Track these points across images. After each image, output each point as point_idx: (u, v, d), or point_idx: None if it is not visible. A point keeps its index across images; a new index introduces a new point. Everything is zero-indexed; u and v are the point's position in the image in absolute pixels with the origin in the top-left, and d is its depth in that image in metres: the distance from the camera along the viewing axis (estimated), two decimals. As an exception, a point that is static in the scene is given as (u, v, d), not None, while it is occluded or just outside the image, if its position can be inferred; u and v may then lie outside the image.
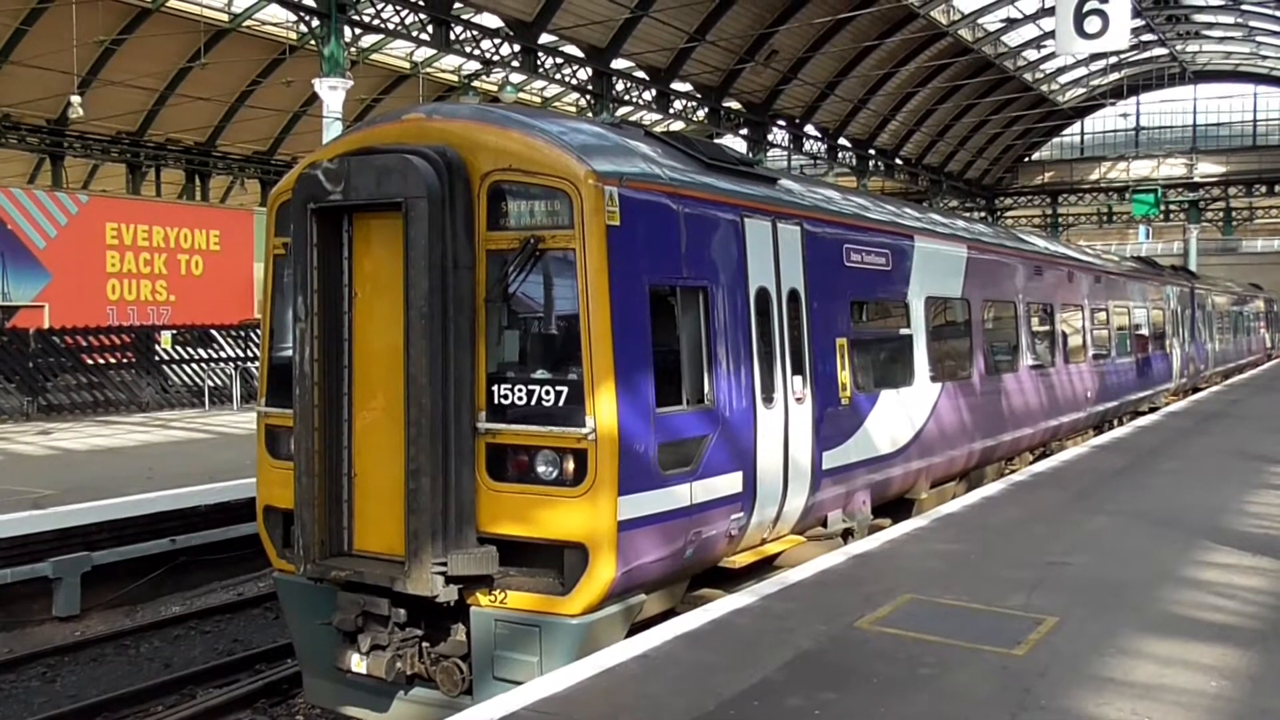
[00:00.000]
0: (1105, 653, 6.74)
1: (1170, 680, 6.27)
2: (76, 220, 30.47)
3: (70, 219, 30.37)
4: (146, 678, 10.76)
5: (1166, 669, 6.46)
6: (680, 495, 7.67)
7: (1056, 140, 72.50)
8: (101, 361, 25.42)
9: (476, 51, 34.07)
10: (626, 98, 40.33)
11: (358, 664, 7.45)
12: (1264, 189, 66.76)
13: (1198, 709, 5.86)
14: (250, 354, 27.21)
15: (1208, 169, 67.91)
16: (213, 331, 27.94)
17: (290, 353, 7.72)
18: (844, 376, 10.10)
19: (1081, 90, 62.79)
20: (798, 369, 9.27)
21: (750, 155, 34.73)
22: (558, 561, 7.19)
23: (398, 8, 30.85)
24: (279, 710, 9.90)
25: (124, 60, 39.72)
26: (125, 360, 25.90)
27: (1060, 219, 72.22)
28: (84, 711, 9.73)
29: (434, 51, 40.21)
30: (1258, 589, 8.34)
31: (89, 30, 34.48)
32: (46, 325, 26.78)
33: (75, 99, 33.59)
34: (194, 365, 26.99)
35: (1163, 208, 59.21)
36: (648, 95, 41.17)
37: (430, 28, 32.15)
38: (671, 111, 42.54)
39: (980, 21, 46.73)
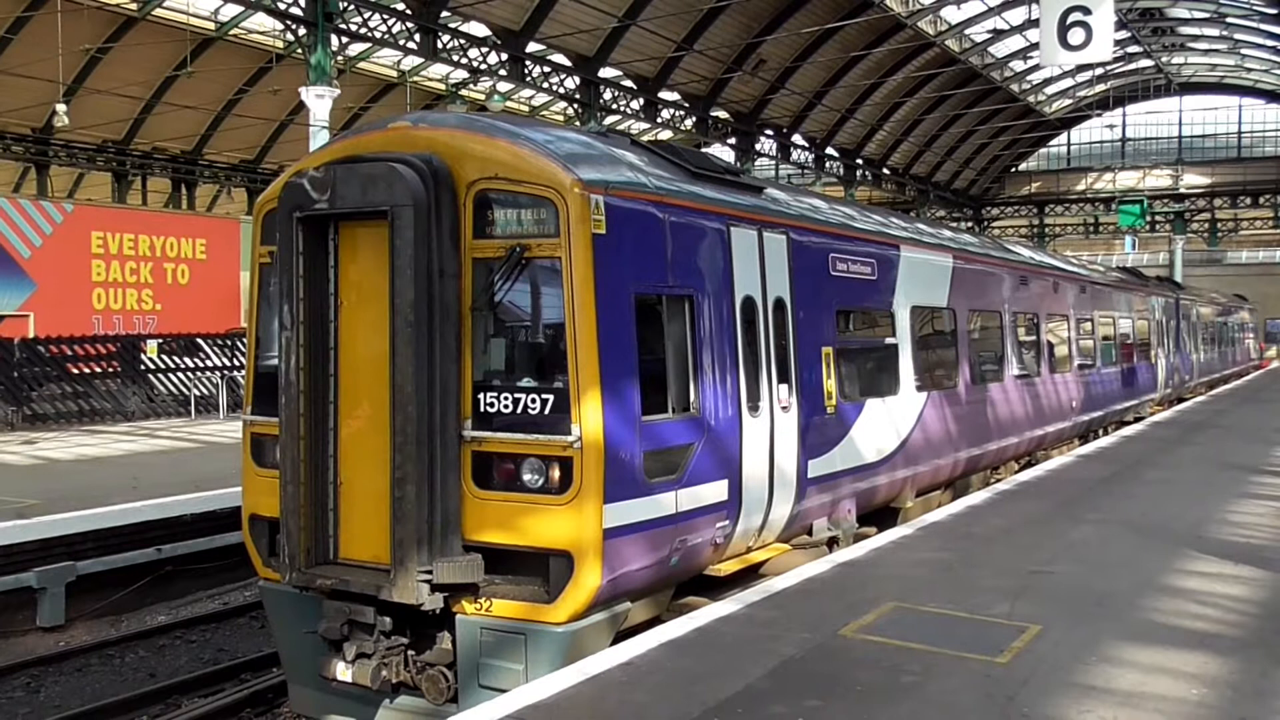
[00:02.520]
0: (1088, 661, 6.77)
1: (1152, 688, 6.30)
2: (62, 229, 30.34)
3: (55, 228, 30.24)
4: (131, 688, 10.73)
5: (1148, 677, 6.49)
6: (666, 503, 7.69)
7: (1043, 151, 72.87)
8: (87, 371, 25.32)
9: (464, 60, 34.14)
10: (614, 106, 40.43)
11: (343, 672, 7.44)
12: (1249, 200, 67.28)
13: (1179, 716, 5.89)
14: (236, 363, 27.14)
15: (1193, 180, 68.35)
16: (199, 340, 27.86)
17: (276, 361, 7.72)
18: (829, 385, 10.14)
19: (1068, 101, 63.16)
20: (783, 378, 9.30)
21: (737, 164, 34.87)
22: (543, 569, 7.19)
23: (385, 16, 30.88)
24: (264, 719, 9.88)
25: (110, 69, 39.66)
26: (111, 369, 25.80)
27: (1047, 229, 72.59)
28: (68, 721, 9.70)
29: (421, 60, 40.20)
30: (1240, 597, 8.39)
31: (74, 39, 34.43)
32: (31, 334, 26.66)
33: (60, 107, 33.48)
34: (180, 374, 26.89)
35: (1148, 218, 59.58)
36: (635, 104, 41.27)
37: (417, 36, 32.19)
38: (659, 120, 42.64)
39: (967, 32, 46.98)
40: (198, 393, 26.51)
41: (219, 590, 14.29)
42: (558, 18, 35.13)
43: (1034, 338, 17.08)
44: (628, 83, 40.99)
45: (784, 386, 9.29)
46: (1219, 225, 70.26)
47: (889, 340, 11.95)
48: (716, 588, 8.74)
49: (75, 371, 25.03)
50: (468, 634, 7.33)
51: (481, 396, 7.31)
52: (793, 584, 8.76)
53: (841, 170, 55.39)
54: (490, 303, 7.33)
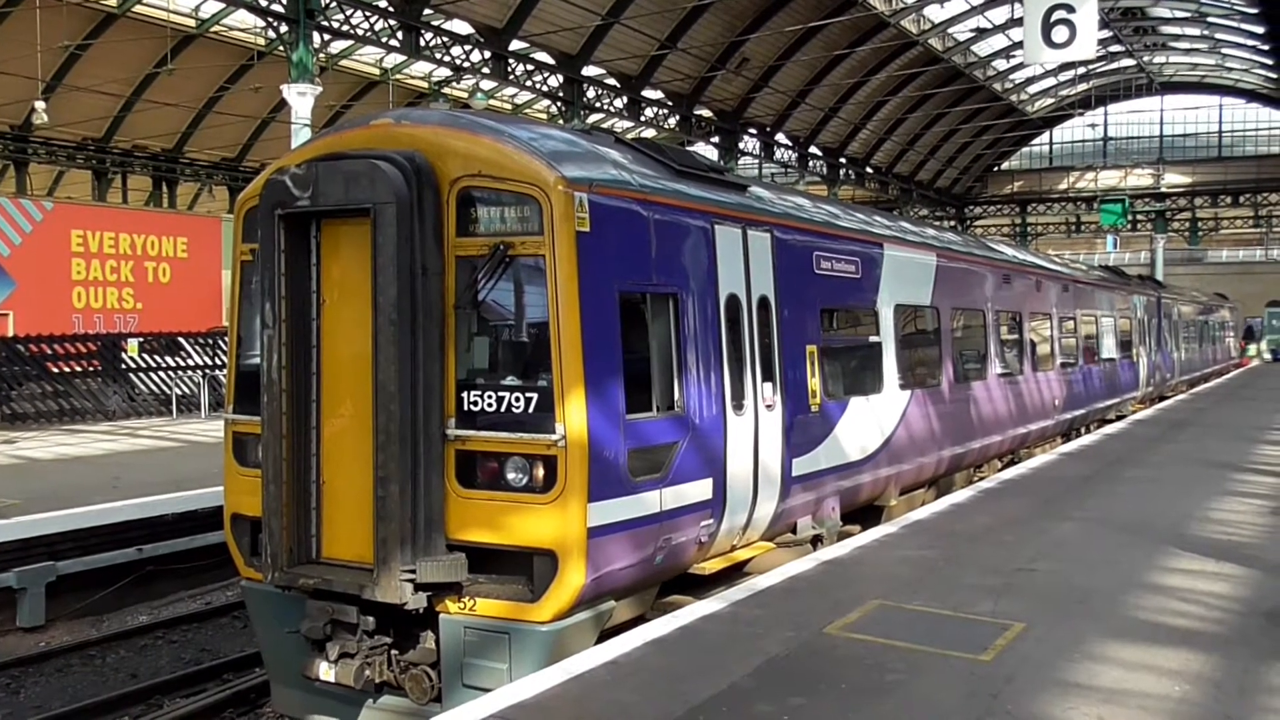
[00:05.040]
0: (1071, 658, 6.79)
1: (1135, 685, 6.32)
2: (41, 227, 30.16)
3: (35, 226, 30.05)
4: (113, 688, 10.66)
5: (1131, 674, 6.51)
6: (650, 502, 7.67)
7: (1026, 150, 73.15)
8: (67, 370, 25.17)
9: (447, 58, 34.01)
10: (597, 105, 40.37)
11: (326, 672, 7.40)
12: (1229, 199, 67.67)
13: (1162, 713, 5.91)
14: (218, 362, 27.02)
15: (1174, 179, 68.70)
16: (180, 339, 27.72)
17: (258, 360, 7.67)
18: (814, 383, 10.14)
19: (1050, 100, 63.40)
20: (768, 376, 9.29)
21: (721, 163, 34.86)
22: (527, 568, 7.17)
23: (367, 13, 30.74)
24: (246, 720, 9.83)
25: (89, 66, 39.38)
26: (91, 368, 25.65)
27: (1029, 228, 72.84)
28: (48, 722, 9.63)
29: (404, 58, 40.11)
30: (1221, 594, 8.42)
31: (53, 35, 34.15)
32: (11, 333, 26.47)
33: (40, 105, 33.24)
34: (161, 373, 26.75)
35: (1130, 217, 59.88)
36: (619, 102, 41.22)
37: (400, 34, 32.07)
38: (643, 119, 42.60)
39: (950, 31, 47.10)
40: (179, 392, 26.36)
41: (201, 590, 14.22)
42: (541, 15, 35.06)
43: (1017, 336, 17.13)
44: (611, 81, 40.94)
45: (768, 385, 9.28)
46: (1200, 224, 70.62)
47: (873, 339, 11.96)
48: (701, 586, 8.74)
49: (55, 370, 24.88)
50: (451, 633, 7.30)
51: (465, 395, 7.28)
52: (777, 582, 8.76)
53: (825, 169, 55.46)
54: (474, 301, 7.29)
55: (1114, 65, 56.89)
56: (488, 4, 34.12)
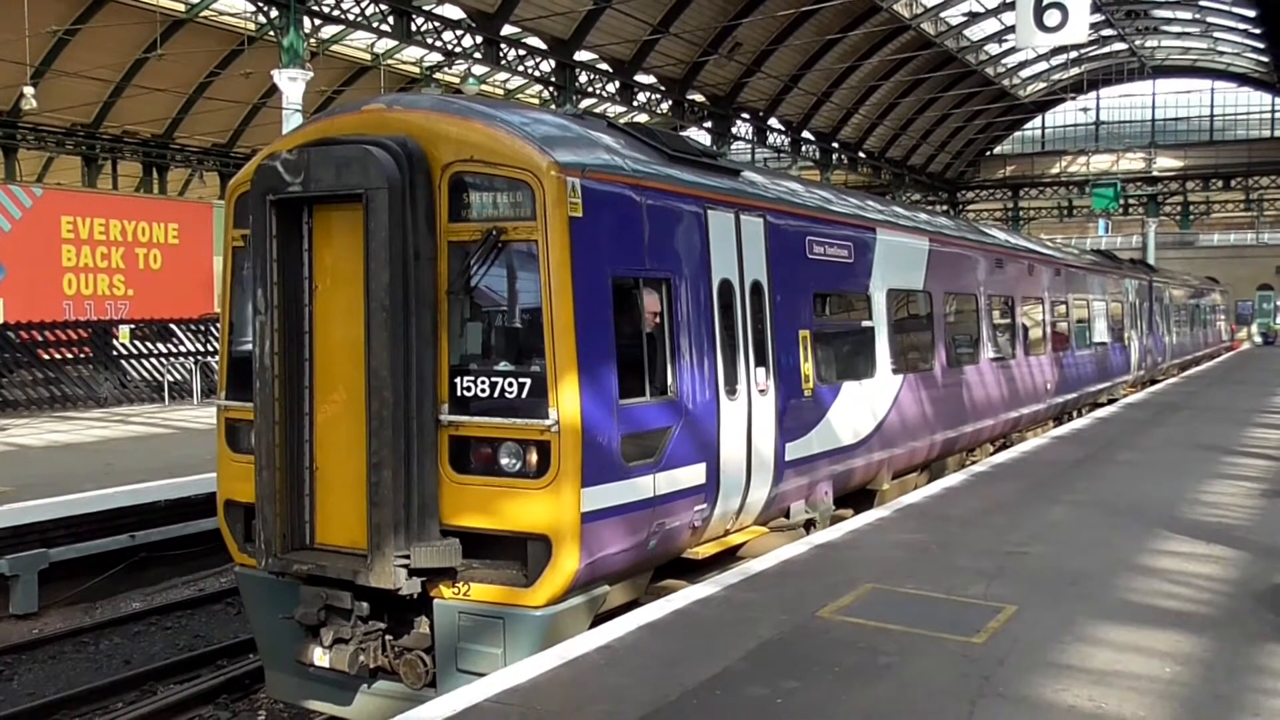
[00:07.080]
0: (1063, 640, 6.82)
1: (1126, 666, 6.35)
2: (31, 214, 30.00)
3: (25, 212, 29.89)
4: (106, 675, 10.65)
5: (1123, 655, 6.54)
6: (644, 487, 7.68)
7: (1018, 134, 73.23)
8: (59, 357, 25.07)
9: (438, 43, 33.93)
10: (590, 90, 40.28)
11: (320, 658, 7.41)
12: (1220, 183, 67.86)
13: (1153, 694, 5.94)
14: (210, 348, 26.95)
15: (1166, 163, 68.82)
16: (172, 326, 27.63)
17: (250, 346, 7.65)
18: (807, 368, 10.15)
19: (1042, 84, 63.43)
20: (761, 361, 9.30)
21: (714, 148, 34.78)
22: (521, 553, 7.17)
23: (358, -2, 30.66)
24: (241, 705, 9.84)
25: (78, 51, 39.17)
26: (83, 355, 25.56)
27: (1021, 212, 72.97)
28: (42, 709, 9.62)
29: (395, 43, 39.99)
30: (1212, 576, 8.47)
31: (42, 20, 33.95)
32: (1, 320, 26.37)
33: (28, 90, 33.05)
34: (153, 360, 26.68)
35: (1122, 201, 60.04)
36: (611, 87, 41.15)
37: (391, 19, 31.98)
38: (635, 104, 42.52)
39: (943, 15, 47.06)
40: (171, 378, 26.30)
41: (194, 576, 14.22)
42: (533, 0, 34.95)
43: (1009, 320, 17.15)
44: (603, 66, 40.86)
45: (761, 370, 9.29)
46: (1191, 208, 70.81)
47: (866, 323, 11.98)
48: (695, 570, 8.75)
49: (46, 357, 24.78)
50: (445, 618, 7.31)
51: (458, 381, 7.27)
52: (770, 566, 8.78)
53: (818, 154, 55.45)
54: (466, 286, 7.28)
55: (1106, 49, 56.94)
56: (479, -12, 34.03)
